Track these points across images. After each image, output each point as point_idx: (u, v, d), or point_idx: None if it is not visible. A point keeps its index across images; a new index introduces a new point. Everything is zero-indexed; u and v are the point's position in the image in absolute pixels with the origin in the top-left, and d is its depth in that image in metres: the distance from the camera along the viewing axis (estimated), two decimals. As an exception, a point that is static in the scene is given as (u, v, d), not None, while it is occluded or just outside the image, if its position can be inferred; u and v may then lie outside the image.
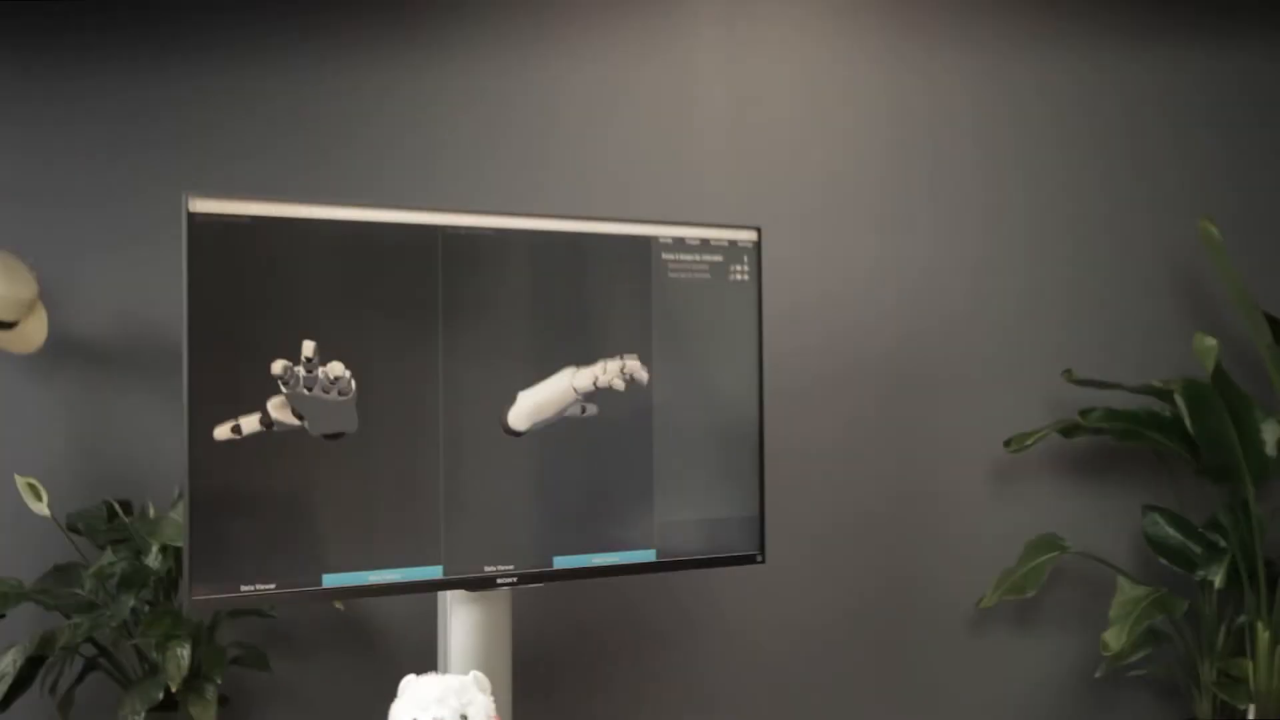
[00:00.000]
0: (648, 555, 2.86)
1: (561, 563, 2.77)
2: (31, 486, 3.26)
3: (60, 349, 3.58)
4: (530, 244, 2.75)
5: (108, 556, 3.20)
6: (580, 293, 2.80)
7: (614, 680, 3.53)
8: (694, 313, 2.93)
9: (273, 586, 2.48)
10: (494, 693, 2.64)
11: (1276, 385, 3.09)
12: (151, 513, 3.37)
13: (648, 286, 2.88)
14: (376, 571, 2.58)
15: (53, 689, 3.28)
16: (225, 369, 2.46)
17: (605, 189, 3.55)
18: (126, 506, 3.42)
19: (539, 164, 3.54)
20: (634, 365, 2.81)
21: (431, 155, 3.56)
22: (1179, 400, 3.18)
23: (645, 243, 2.87)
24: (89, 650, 3.34)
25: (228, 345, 2.46)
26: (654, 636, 3.53)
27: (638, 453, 2.85)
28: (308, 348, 2.53)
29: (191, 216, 2.43)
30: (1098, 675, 3.31)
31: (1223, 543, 3.22)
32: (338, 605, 3.45)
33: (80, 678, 3.29)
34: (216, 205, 2.46)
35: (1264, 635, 3.11)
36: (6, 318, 3.23)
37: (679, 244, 2.91)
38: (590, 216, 2.82)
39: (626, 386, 2.82)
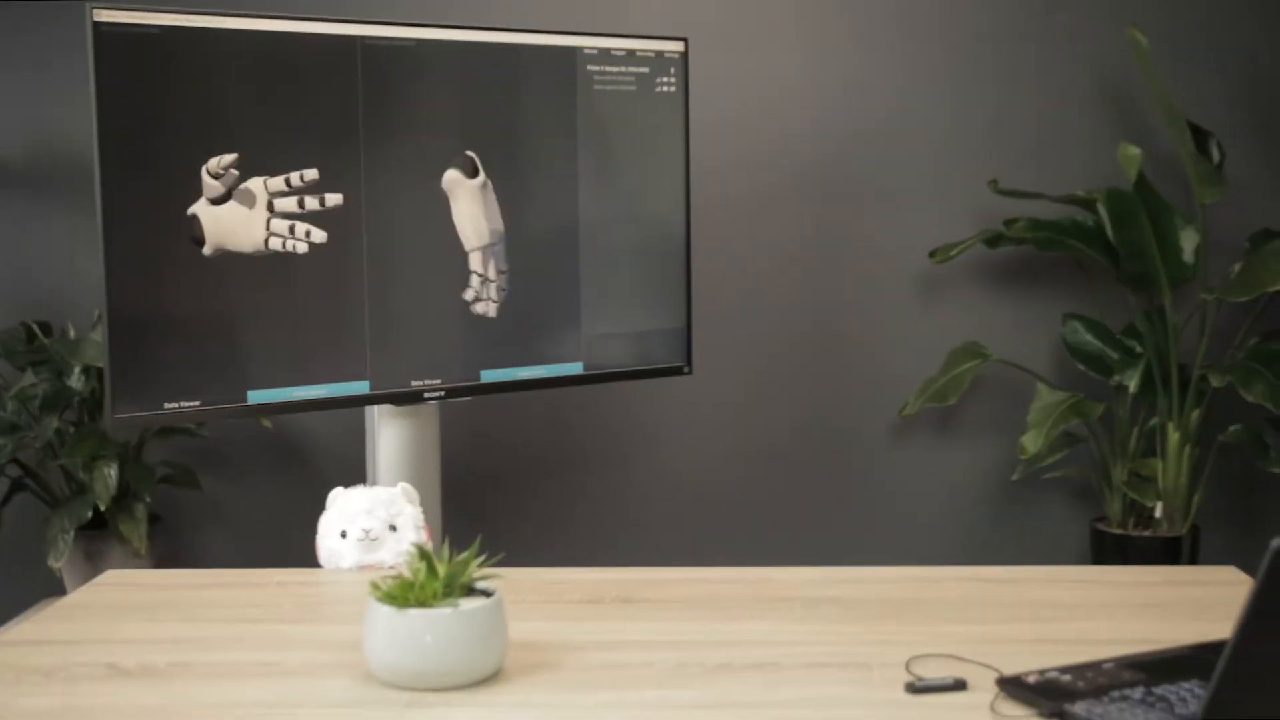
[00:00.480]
0: (575, 368, 2.87)
1: (489, 377, 2.77)
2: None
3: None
4: (452, 55, 2.68)
5: (28, 378, 3.16)
6: (505, 106, 2.75)
7: (544, 496, 3.58)
8: (620, 125, 2.89)
9: (197, 404, 2.47)
10: (423, 505, 2.67)
11: (1196, 193, 3.12)
12: (72, 334, 3.33)
13: (573, 99, 2.83)
14: (303, 388, 2.57)
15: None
16: (140, 185, 2.39)
17: (531, 1, 3.46)
18: (46, 328, 3.37)
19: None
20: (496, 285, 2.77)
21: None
22: (1101, 209, 3.21)
23: (570, 54, 2.81)
24: (14, 471, 3.33)
25: (142, 161, 2.40)
26: (583, 454, 3.57)
27: (564, 267, 2.83)
28: (310, 174, 2.51)
29: (97, 26, 2.34)
30: (1014, 478, 3.40)
31: (1139, 348, 3.29)
32: (265, 423, 3.45)
33: (7, 499, 3.28)
34: (123, 15, 2.36)
35: (1174, 436, 3.21)
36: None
37: (605, 55, 2.85)
38: (513, 28, 2.75)
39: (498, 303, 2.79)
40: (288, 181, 2.51)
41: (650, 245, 2.94)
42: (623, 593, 1.71)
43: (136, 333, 2.40)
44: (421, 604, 1.35)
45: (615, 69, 2.87)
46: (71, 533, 3.04)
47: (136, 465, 3.19)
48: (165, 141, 2.41)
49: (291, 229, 2.51)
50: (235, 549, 3.58)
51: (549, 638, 1.52)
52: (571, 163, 2.83)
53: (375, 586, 1.38)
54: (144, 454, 3.32)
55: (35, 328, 3.32)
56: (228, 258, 2.47)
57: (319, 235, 2.55)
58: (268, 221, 2.49)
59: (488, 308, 2.74)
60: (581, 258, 2.85)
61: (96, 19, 2.34)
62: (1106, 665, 1.34)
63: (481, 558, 1.42)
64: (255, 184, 2.49)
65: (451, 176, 2.69)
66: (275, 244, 2.50)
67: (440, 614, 1.33)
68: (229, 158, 2.46)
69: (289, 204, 2.52)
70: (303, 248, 2.52)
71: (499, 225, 2.75)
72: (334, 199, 2.56)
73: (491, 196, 2.74)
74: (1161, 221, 3.18)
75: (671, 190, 2.96)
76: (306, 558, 3.44)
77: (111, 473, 3.01)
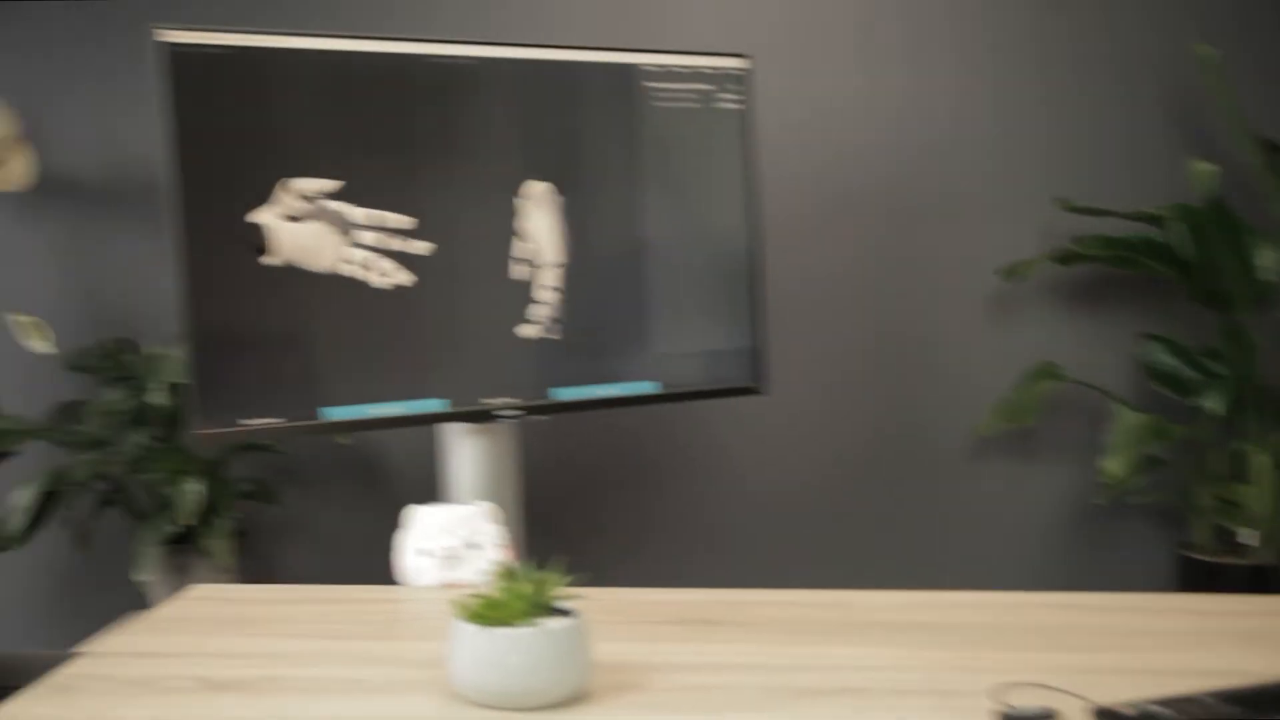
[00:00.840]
0: (648, 387, 2.87)
1: (562, 395, 2.78)
2: (35, 325, 3.26)
3: (50, 189, 3.55)
4: (515, 74, 2.70)
5: (113, 394, 3.22)
6: (567, 123, 2.76)
7: (619, 514, 3.58)
8: (683, 142, 2.89)
9: (273, 421, 2.50)
10: (503, 524, 2.68)
11: (1275, 208, 3.06)
12: (153, 350, 3.38)
13: (635, 116, 2.83)
14: (377, 405, 2.59)
15: (70, 524, 3.33)
16: (212, 203, 2.43)
17: (593, 16, 3.47)
18: (128, 344, 3.43)
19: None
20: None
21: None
22: (1175, 226, 3.16)
23: (631, 71, 2.82)
24: (102, 486, 3.38)
25: (213, 179, 2.43)
26: (658, 471, 3.57)
27: (633, 285, 2.84)
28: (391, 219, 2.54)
29: (164, 47, 2.38)
30: (1097, 502, 3.35)
31: (1219, 369, 3.24)
32: (342, 440, 3.49)
33: (95, 513, 3.34)
34: (188, 36, 2.40)
35: (1261, 460, 3.15)
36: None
37: (666, 72, 2.86)
38: (575, 45, 2.76)
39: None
40: (374, 218, 2.54)
41: (718, 263, 2.93)
42: (705, 614, 1.70)
43: (214, 350, 2.44)
44: (506, 623, 1.36)
45: (677, 86, 2.87)
46: (157, 547, 3.08)
47: (219, 481, 3.23)
48: (235, 159, 2.45)
49: (367, 263, 2.54)
50: (314, 564, 3.62)
51: (632, 659, 1.52)
52: (635, 180, 2.83)
53: (459, 605, 1.38)
54: (226, 469, 3.36)
55: (118, 344, 3.37)
56: (301, 275, 2.50)
57: (402, 277, 2.57)
58: (342, 247, 2.52)
59: (549, 328, 2.75)
60: (650, 276, 2.86)
61: (164, 40, 2.38)
62: (1204, 698, 1.31)
63: (564, 577, 1.42)
64: (333, 208, 2.52)
65: (544, 188, 2.70)
66: (346, 270, 2.53)
67: (525, 633, 1.33)
68: (327, 185, 2.49)
69: (369, 237, 2.54)
70: (380, 282, 2.55)
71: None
72: (421, 246, 2.58)
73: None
74: (1236, 239, 3.13)
75: (737, 207, 2.96)
76: (385, 574, 3.46)
77: (195, 488, 3.06)
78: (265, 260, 2.46)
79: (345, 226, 2.52)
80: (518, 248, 2.71)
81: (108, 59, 3.53)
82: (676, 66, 2.87)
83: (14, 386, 3.56)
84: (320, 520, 3.61)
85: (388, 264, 2.56)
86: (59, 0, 3.49)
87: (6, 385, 3.56)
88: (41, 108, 3.53)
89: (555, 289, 2.75)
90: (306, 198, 2.49)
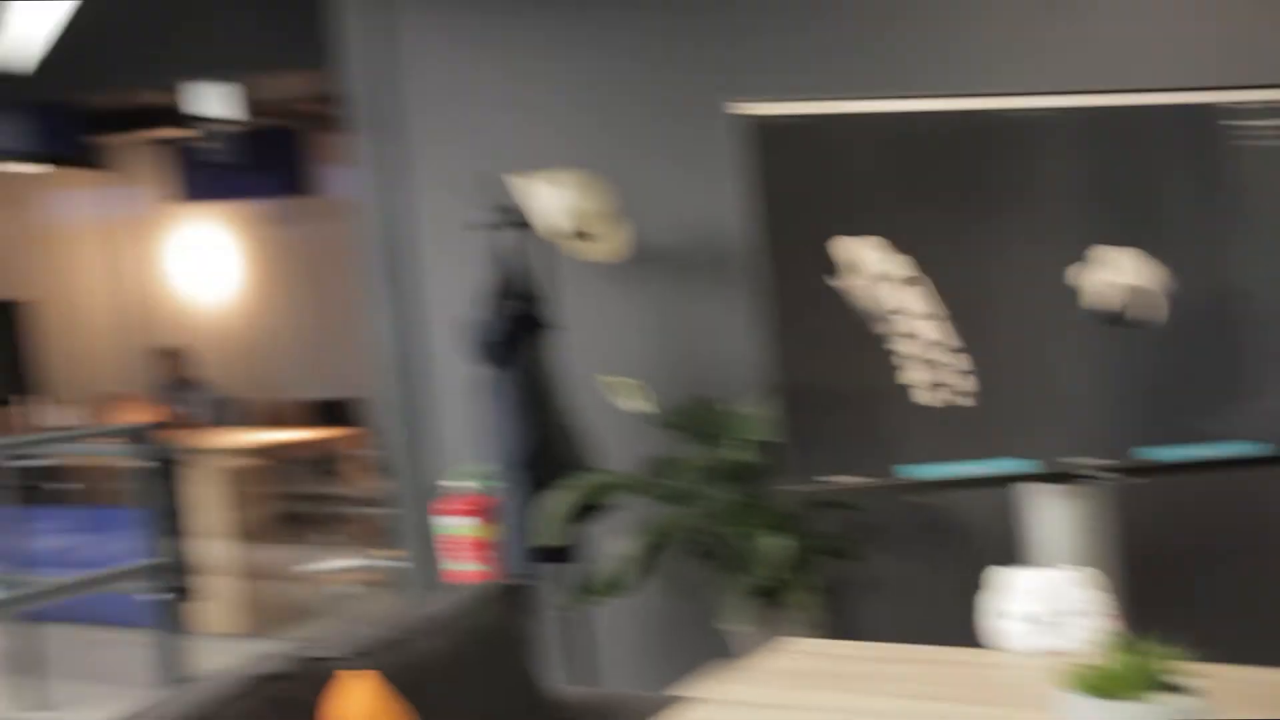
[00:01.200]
0: (1255, 448, 2.62)
1: (1149, 455, 2.60)
2: (636, 387, 3.50)
3: (641, 257, 3.81)
4: (1081, 122, 2.57)
5: (696, 450, 3.38)
6: (1140, 170, 2.59)
7: (1228, 583, 3.28)
8: (1275, 182, 2.62)
9: (855, 479, 2.52)
10: (1104, 590, 2.54)
11: None
12: (731, 407, 3.52)
13: (1215, 158, 2.60)
14: (955, 464, 2.55)
15: (661, 573, 3.53)
16: (791, 267, 2.50)
17: (1163, 54, 3.25)
18: (708, 402, 3.59)
19: (1080, 37, 3.30)
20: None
21: (965, 39, 3.41)
22: None
23: (1206, 111, 2.59)
24: (692, 537, 3.55)
25: (791, 244, 2.50)
26: (1267, 537, 3.25)
27: (1228, 337, 2.60)
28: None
29: (741, 119, 2.49)
30: None
31: None
32: (923, 498, 3.46)
33: (685, 562, 3.51)
34: (762, 108, 2.50)
35: None
36: (585, 230, 3.47)
37: (1248, 109, 2.60)
38: (1141, 89, 2.58)
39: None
40: (936, 313, 2.52)
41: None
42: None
43: (799, 408, 2.50)
44: (1122, 697, 1.27)
45: (1262, 122, 2.61)
46: (744, 598, 3.20)
47: (803, 536, 3.30)
48: (810, 225, 2.51)
49: (929, 348, 2.52)
50: (892, 621, 3.60)
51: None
52: (1219, 225, 2.60)
53: (1068, 674, 1.31)
54: (809, 524, 3.42)
55: (700, 402, 3.55)
56: (876, 337, 2.50)
57: (954, 398, 2.53)
58: (912, 320, 2.51)
59: (1135, 385, 2.59)
60: (1247, 326, 2.60)
61: (741, 113, 2.49)
62: None
63: (1182, 651, 1.31)
64: (897, 284, 2.51)
65: (1124, 239, 2.58)
66: (909, 347, 2.52)
67: (1147, 710, 1.24)
68: (894, 256, 2.51)
69: (928, 328, 2.52)
70: (933, 392, 2.52)
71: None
72: (961, 363, 2.53)
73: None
74: None
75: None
76: (963, 635, 3.39)
77: (781, 542, 3.14)
78: (842, 322, 2.51)
79: (907, 307, 2.52)
80: (1097, 303, 2.58)
81: (684, 132, 3.75)
82: (1261, 103, 2.62)
83: (605, 442, 3.83)
84: (897, 576, 3.59)
85: (947, 359, 2.52)
86: (646, 82, 3.77)
87: (598, 441, 3.85)
88: (632, 182, 3.81)
89: (1143, 345, 2.58)
90: (876, 265, 2.51)
